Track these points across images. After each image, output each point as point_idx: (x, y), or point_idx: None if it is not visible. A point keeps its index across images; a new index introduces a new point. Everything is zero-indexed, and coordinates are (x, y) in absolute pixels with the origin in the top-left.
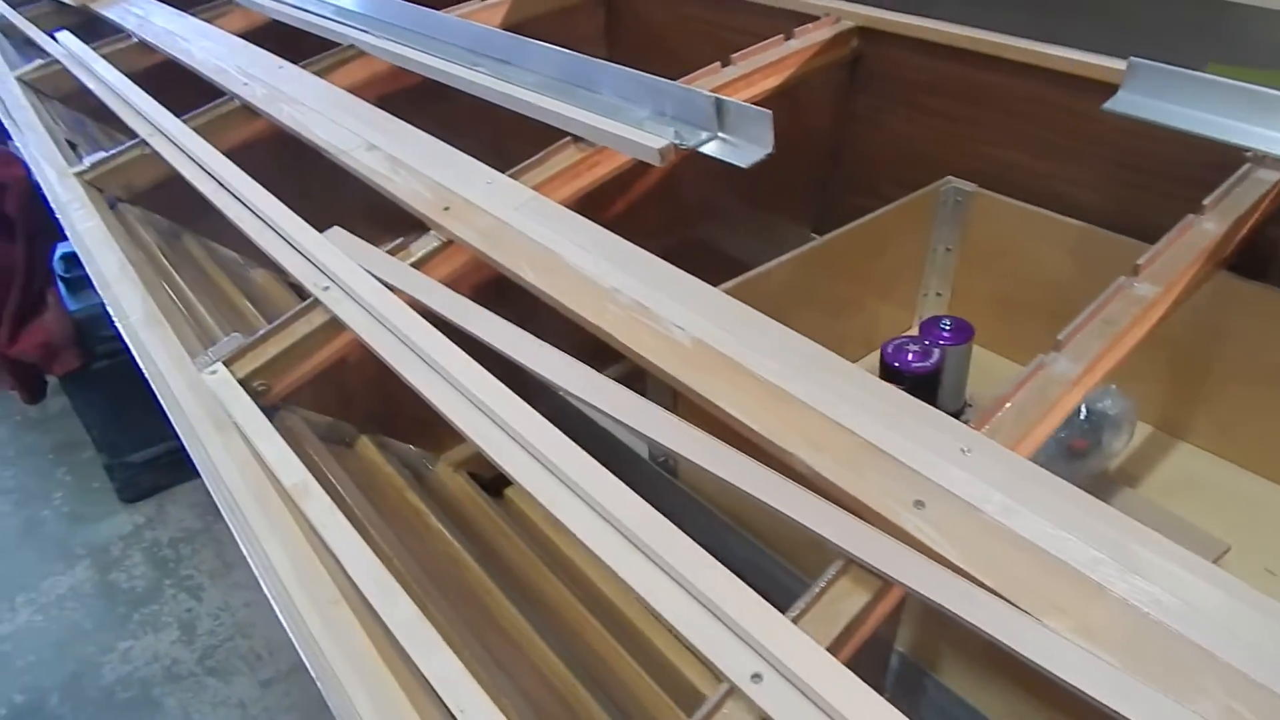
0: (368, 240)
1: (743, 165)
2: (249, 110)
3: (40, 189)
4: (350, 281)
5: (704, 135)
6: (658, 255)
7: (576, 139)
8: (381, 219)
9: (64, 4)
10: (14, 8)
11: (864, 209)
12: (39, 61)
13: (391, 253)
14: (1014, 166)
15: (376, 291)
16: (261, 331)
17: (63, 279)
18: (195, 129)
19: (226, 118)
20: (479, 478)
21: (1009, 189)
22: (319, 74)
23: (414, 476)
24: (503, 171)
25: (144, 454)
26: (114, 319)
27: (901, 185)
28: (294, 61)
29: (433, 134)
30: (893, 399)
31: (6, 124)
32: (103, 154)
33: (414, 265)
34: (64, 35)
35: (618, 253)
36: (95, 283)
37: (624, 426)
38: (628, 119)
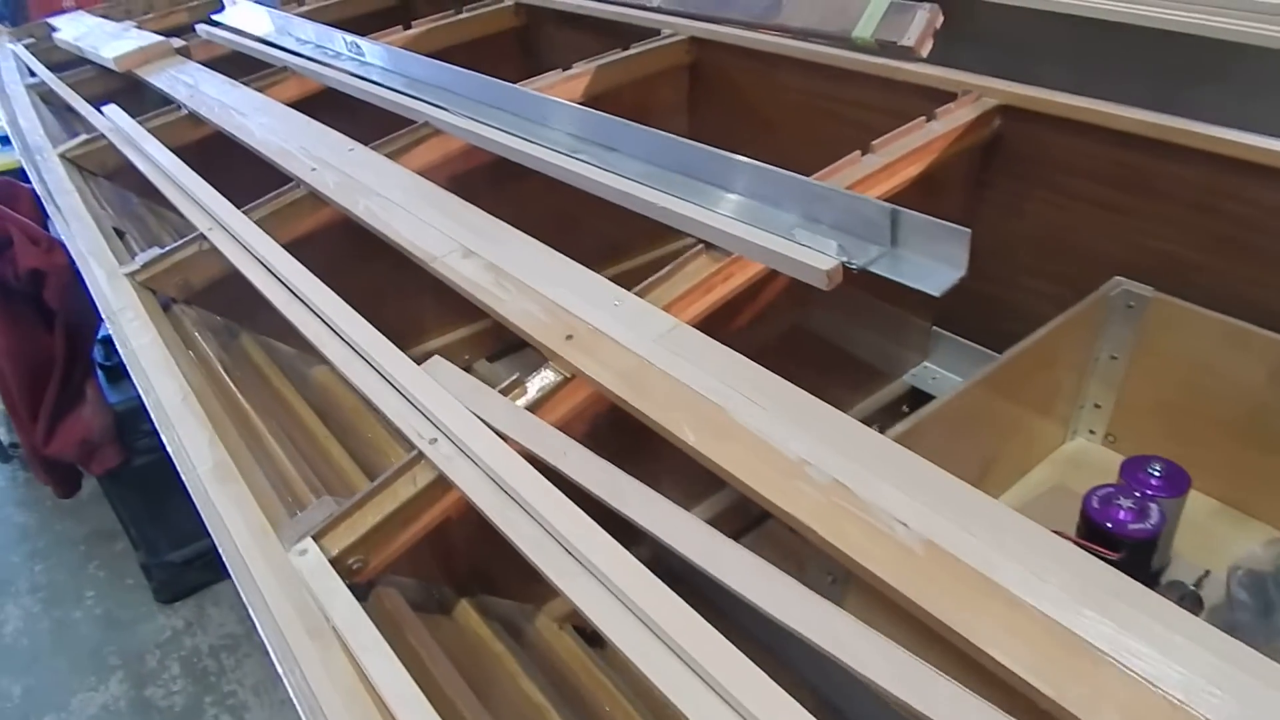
0: (467, 355)
1: (934, 292)
2: (316, 199)
3: (87, 287)
4: (460, 433)
5: (874, 251)
6: (781, 363)
7: (709, 246)
8: (480, 337)
9: (107, 70)
10: (53, 70)
11: (994, 299)
12: (84, 137)
13: (505, 391)
14: (1188, 265)
15: (489, 444)
16: (358, 496)
17: (102, 366)
18: (258, 221)
19: (294, 207)
20: (583, 630)
21: (1182, 290)
22: (392, 156)
23: (512, 636)
24: (612, 275)
25: (183, 553)
26: (178, 468)
27: (1041, 276)
28: (360, 139)
29: (516, 221)
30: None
31: (49, 208)
32: (157, 251)
33: (530, 408)
34: (111, 110)
35: (796, 407)
36: (154, 417)
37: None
38: (772, 224)
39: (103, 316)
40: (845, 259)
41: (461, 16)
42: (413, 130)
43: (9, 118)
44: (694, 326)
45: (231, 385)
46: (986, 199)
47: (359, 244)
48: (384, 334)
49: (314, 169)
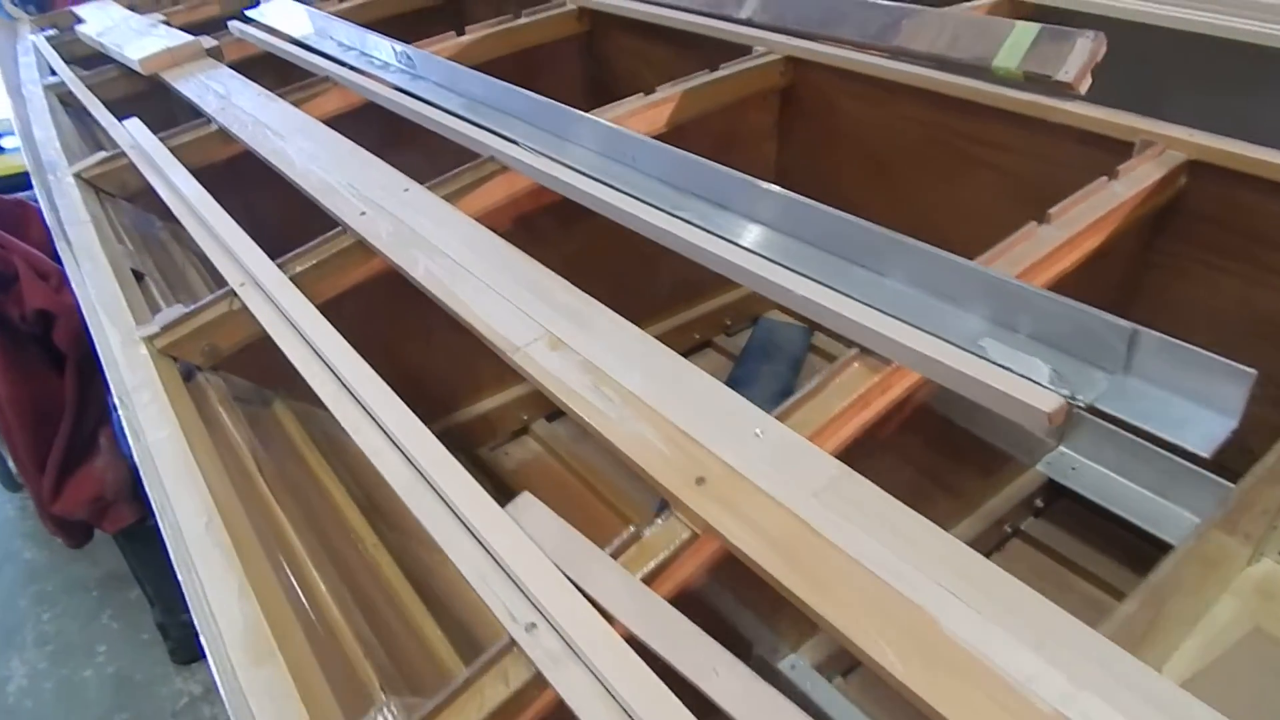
0: (525, 415)
1: (1200, 450)
2: (364, 248)
3: (96, 352)
4: (562, 618)
5: (1101, 382)
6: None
7: (864, 351)
8: (539, 395)
9: (132, 70)
10: (77, 65)
11: None
12: (102, 155)
13: (618, 551)
14: None
15: (601, 638)
16: (434, 702)
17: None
18: (298, 276)
19: (339, 259)
20: None
21: None
22: (453, 197)
23: None
24: (690, 317)
25: None
26: (200, 634)
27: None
28: (410, 165)
29: (584, 261)
30: None
31: (59, 245)
32: (179, 310)
33: (651, 576)
34: (134, 125)
35: (1013, 603)
36: (170, 548)
37: None
38: (950, 327)
39: (112, 394)
40: (1067, 393)
41: (520, 22)
42: (476, 166)
43: (23, 127)
44: (847, 448)
45: (267, 491)
46: (1155, 267)
47: (410, 297)
48: (436, 393)
49: (364, 213)
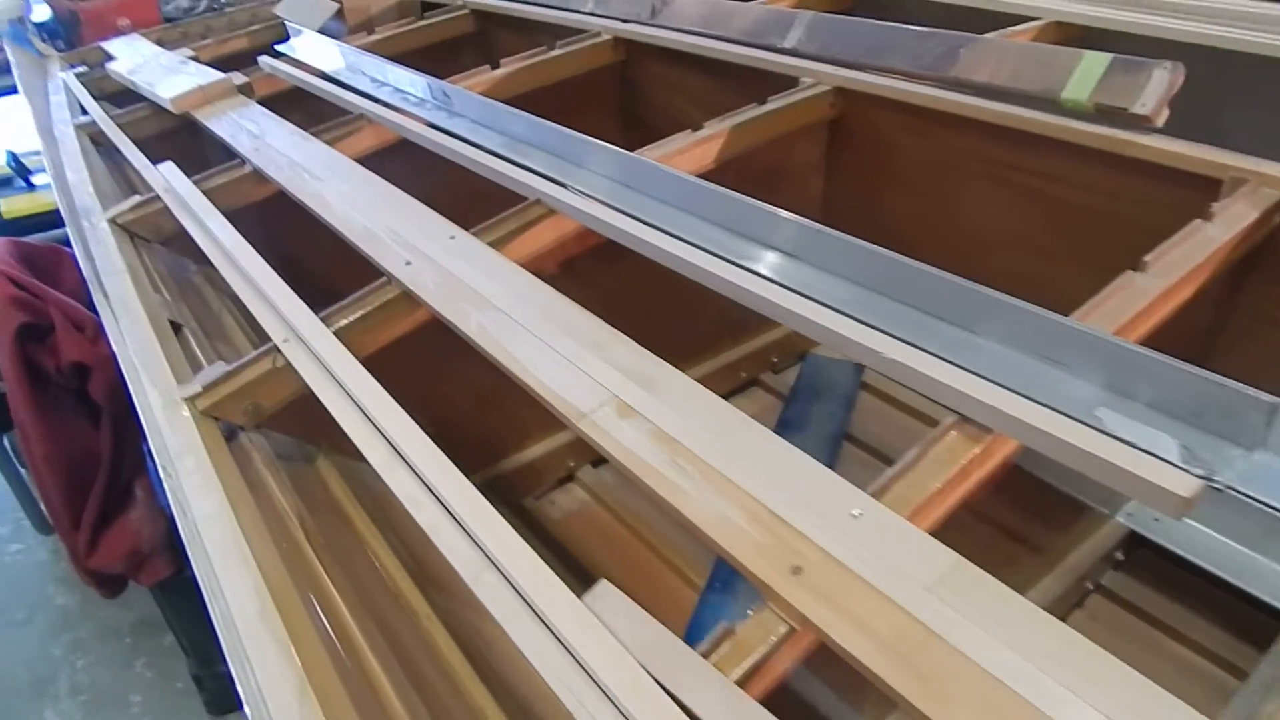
0: (572, 462)
1: None
2: (411, 300)
3: (136, 412)
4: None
5: (1238, 460)
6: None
7: (963, 419)
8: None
9: (163, 108)
10: (107, 101)
11: None
12: (137, 199)
13: (709, 650)
14: None
15: None
16: None
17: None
18: (342, 331)
19: (384, 311)
20: None
21: None
22: (500, 243)
23: None
24: (738, 356)
25: None
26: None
27: None
28: (448, 204)
29: (628, 301)
30: None
31: (95, 296)
32: (221, 368)
33: (745, 678)
34: (168, 169)
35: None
36: (222, 637)
37: None
38: (1057, 394)
39: (154, 458)
40: (1203, 472)
41: (554, 54)
42: (522, 210)
43: (56, 170)
44: (944, 520)
45: (318, 565)
46: (1241, 310)
47: (453, 345)
48: (479, 441)
49: (409, 262)
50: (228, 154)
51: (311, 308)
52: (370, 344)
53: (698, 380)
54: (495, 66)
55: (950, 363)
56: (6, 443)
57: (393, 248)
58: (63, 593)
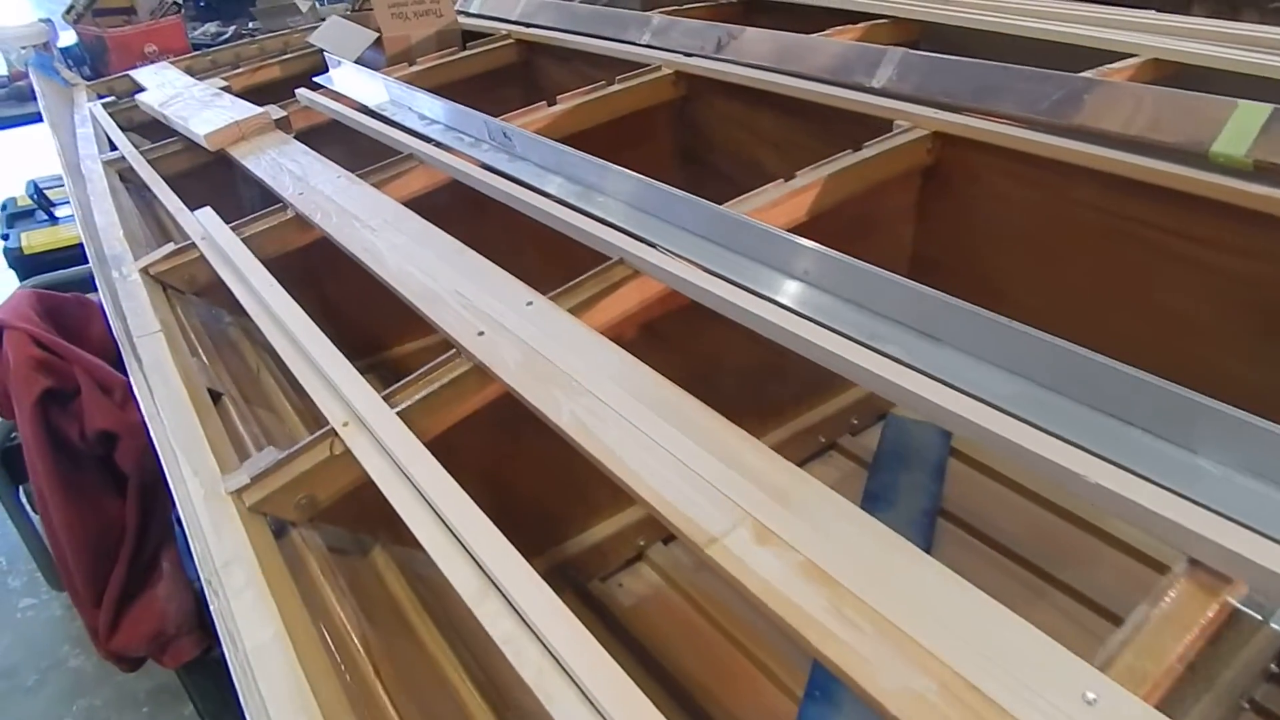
0: (641, 540)
1: None
2: (484, 375)
3: (174, 499)
4: None
5: None
6: None
7: (1193, 563)
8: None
9: (196, 144)
10: (137, 133)
11: None
12: (171, 248)
13: None
14: None
15: None
16: None
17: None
18: (406, 413)
19: (455, 387)
20: None
21: None
22: (580, 310)
23: None
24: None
25: None
26: None
27: None
28: (509, 256)
29: (714, 364)
30: None
31: (127, 360)
32: (272, 455)
33: None
34: (205, 215)
35: None
36: None
37: None
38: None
39: (196, 566)
40: None
41: (613, 89)
42: (605, 272)
43: (83, 213)
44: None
45: (383, 694)
46: None
47: (522, 422)
48: (545, 522)
49: (481, 333)
50: (265, 194)
51: (350, 356)
52: (436, 425)
53: (775, 448)
54: (552, 103)
55: (1170, 490)
56: (21, 493)
57: (461, 314)
58: (77, 654)
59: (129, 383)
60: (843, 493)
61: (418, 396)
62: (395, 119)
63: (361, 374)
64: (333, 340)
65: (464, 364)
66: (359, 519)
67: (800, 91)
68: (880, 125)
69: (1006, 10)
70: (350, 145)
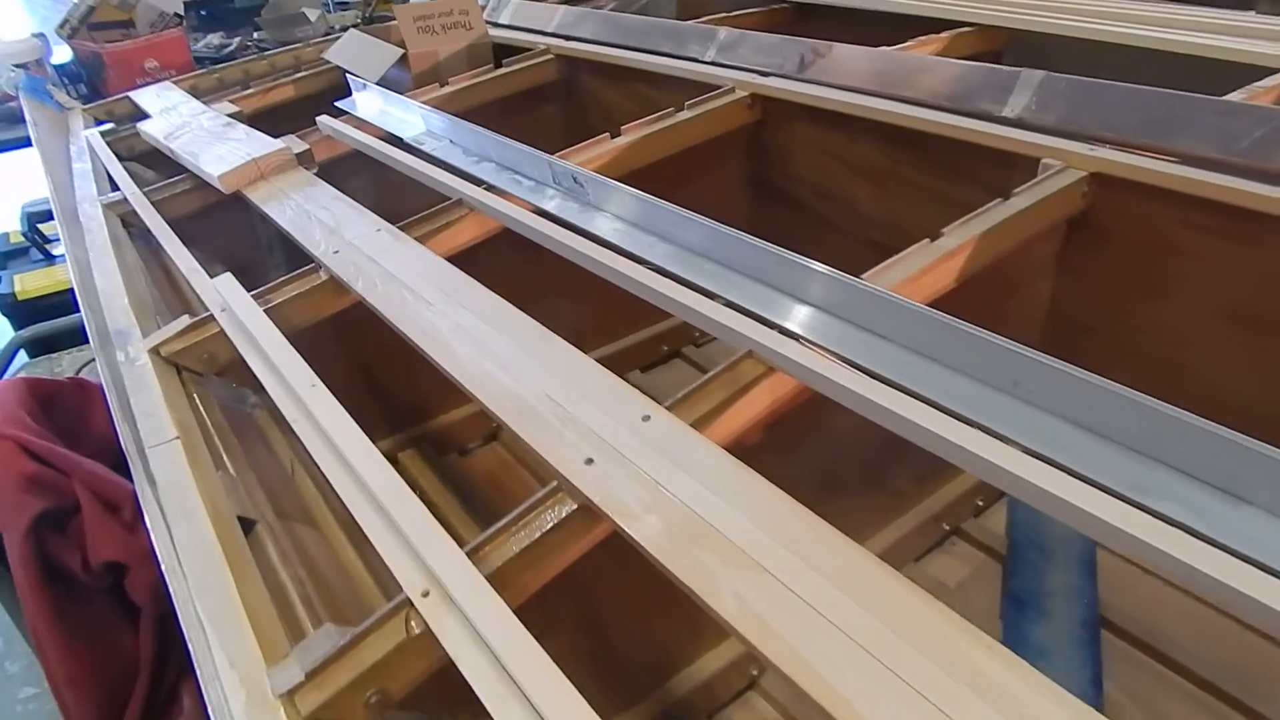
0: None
1: None
2: (594, 515)
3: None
4: None
5: None
6: None
7: None
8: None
9: (208, 185)
10: (138, 162)
11: None
12: (185, 323)
13: None
14: None
15: None
16: None
17: None
18: (497, 574)
19: (559, 532)
20: None
21: None
22: (703, 424)
23: None
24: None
25: None
26: None
27: None
28: (593, 336)
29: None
30: None
31: (135, 472)
32: (334, 637)
33: None
34: (225, 284)
35: None
36: None
37: None
38: None
39: None
40: None
41: (684, 116)
42: (731, 370)
43: (80, 274)
44: None
45: None
46: None
47: (628, 554)
48: (650, 659)
49: (590, 460)
50: (292, 255)
51: (389, 431)
52: (533, 582)
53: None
54: (615, 133)
55: None
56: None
57: (562, 432)
58: None
59: (136, 500)
60: (974, 591)
61: (515, 551)
62: (436, 154)
63: (402, 450)
64: (371, 414)
65: (570, 502)
66: (436, 704)
67: (913, 120)
68: (1017, 163)
69: (1112, 16)
70: (375, 176)
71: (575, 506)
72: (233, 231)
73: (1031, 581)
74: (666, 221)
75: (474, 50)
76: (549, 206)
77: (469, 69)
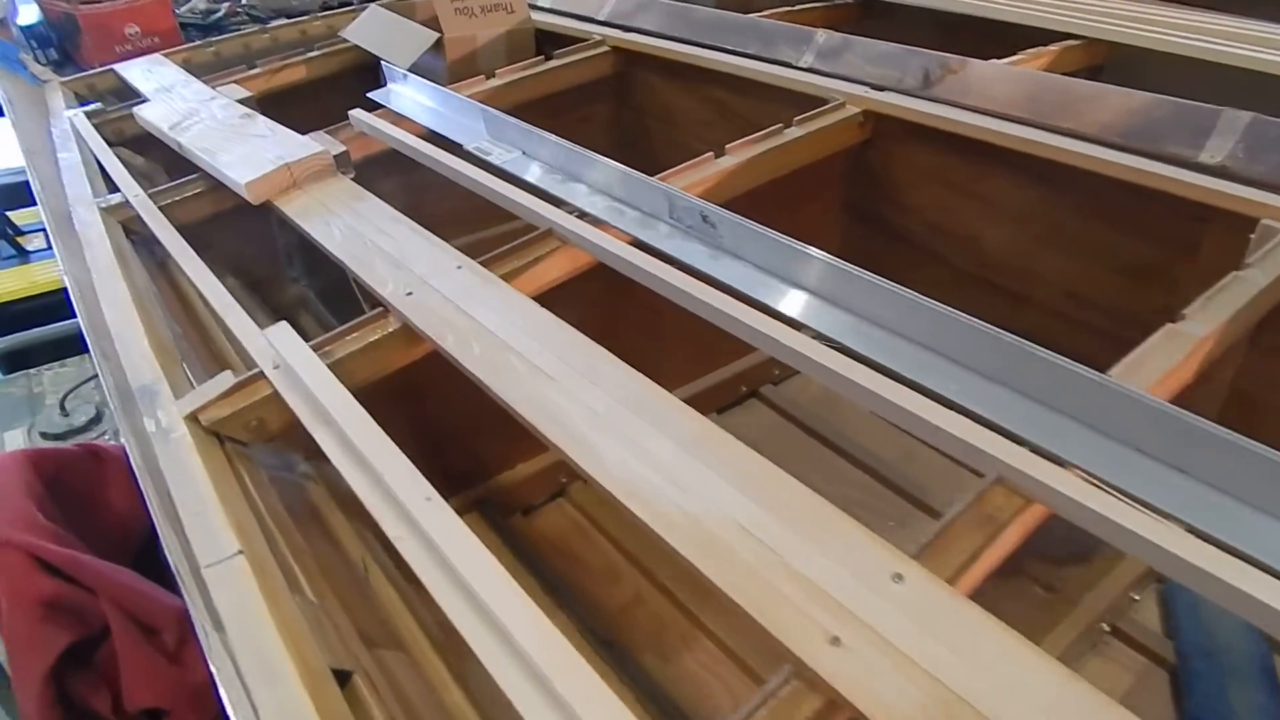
0: None
1: None
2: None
3: None
4: None
5: None
6: None
7: None
8: None
9: (222, 187)
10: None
11: None
12: (228, 383)
13: None
14: None
15: None
16: None
17: None
18: None
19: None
20: None
21: None
22: (959, 578)
23: None
24: None
25: None
26: None
27: None
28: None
29: None
30: None
31: (185, 592)
32: None
33: None
34: (279, 335)
35: None
36: None
37: None
38: None
39: None
40: None
41: (793, 135)
42: (981, 503)
43: (84, 305)
44: None
45: None
46: None
47: None
48: None
49: (836, 639)
50: (309, 256)
51: (453, 491)
52: None
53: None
54: (719, 153)
55: None
56: None
57: (779, 589)
58: None
59: (187, 613)
60: None
61: None
62: (508, 168)
63: (465, 515)
64: (430, 477)
65: (811, 697)
66: None
67: (1077, 157)
68: (1214, 218)
69: (1221, 35)
70: (407, 177)
71: (821, 703)
72: (245, 239)
73: (1213, 694)
74: (845, 287)
75: (514, 37)
76: (666, 247)
77: (508, 57)
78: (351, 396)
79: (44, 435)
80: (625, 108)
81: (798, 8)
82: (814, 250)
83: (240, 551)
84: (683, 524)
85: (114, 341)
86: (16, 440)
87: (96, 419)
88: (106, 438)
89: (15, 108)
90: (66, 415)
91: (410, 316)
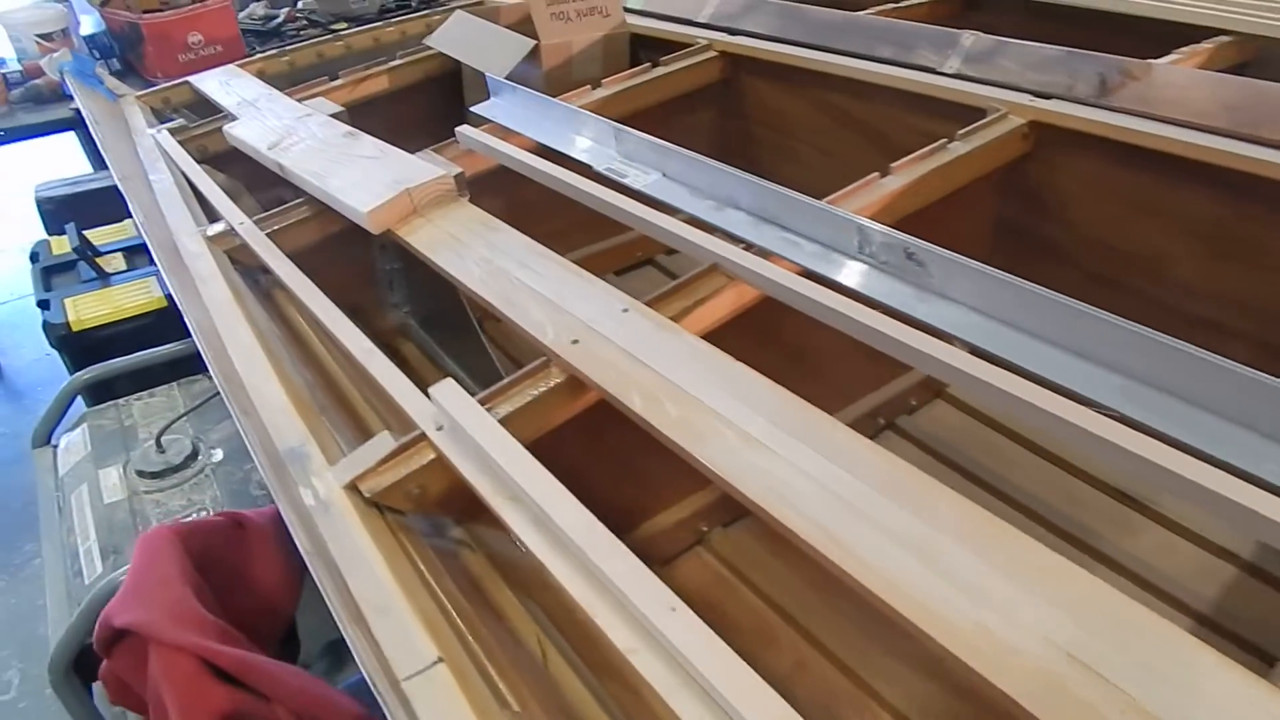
0: None
1: None
2: None
3: None
4: None
5: None
6: None
7: None
8: None
9: (328, 210)
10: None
11: None
12: (390, 444)
13: None
14: None
15: None
16: None
17: None
18: None
19: None
20: None
21: None
22: None
23: None
24: None
25: None
26: None
27: None
28: None
29: None
30: None
31: (388, 714)
32: None
33: None
34: (445, 392)
35: None
36: None
37: None
38: None
39: None
40: None
41: (959, 150)
42: None
43: (213, 354)
44: None
45: None
46: None
47: None
48: None
49: None
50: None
51: None
52: None
53: None
54: (885, 172)
55: None
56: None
57: None
58: None
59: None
60: None
61: None
62: (651, 193)
63: None
64: None
65: None
66: None
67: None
68: None
69: None
70: (511, 196)
71: None
72: (346, 263)
73: None
74: (1078, 329)
75: (610, 42)
76: (855, 284)
77: (604, 64)
78: (538, 462)
79: (139, 474)
80: (728, 115)
81: (903, 4)
82: (1049, 293)
83: (440, 659)
84: (1014, 666)
85: (249, 395)
86: (112, 479)
87: (193, 455)
88: (205, 475)
89: (101, 127)
90: (163, 452)
91: (582, 369)
